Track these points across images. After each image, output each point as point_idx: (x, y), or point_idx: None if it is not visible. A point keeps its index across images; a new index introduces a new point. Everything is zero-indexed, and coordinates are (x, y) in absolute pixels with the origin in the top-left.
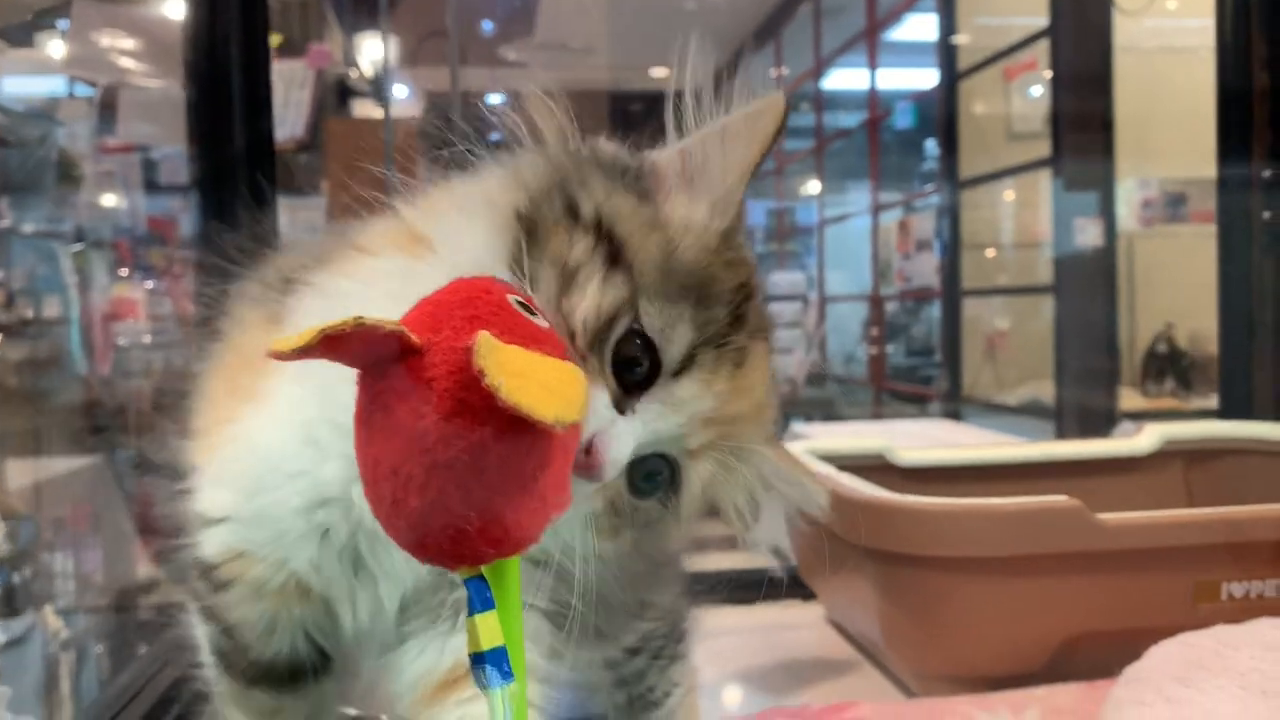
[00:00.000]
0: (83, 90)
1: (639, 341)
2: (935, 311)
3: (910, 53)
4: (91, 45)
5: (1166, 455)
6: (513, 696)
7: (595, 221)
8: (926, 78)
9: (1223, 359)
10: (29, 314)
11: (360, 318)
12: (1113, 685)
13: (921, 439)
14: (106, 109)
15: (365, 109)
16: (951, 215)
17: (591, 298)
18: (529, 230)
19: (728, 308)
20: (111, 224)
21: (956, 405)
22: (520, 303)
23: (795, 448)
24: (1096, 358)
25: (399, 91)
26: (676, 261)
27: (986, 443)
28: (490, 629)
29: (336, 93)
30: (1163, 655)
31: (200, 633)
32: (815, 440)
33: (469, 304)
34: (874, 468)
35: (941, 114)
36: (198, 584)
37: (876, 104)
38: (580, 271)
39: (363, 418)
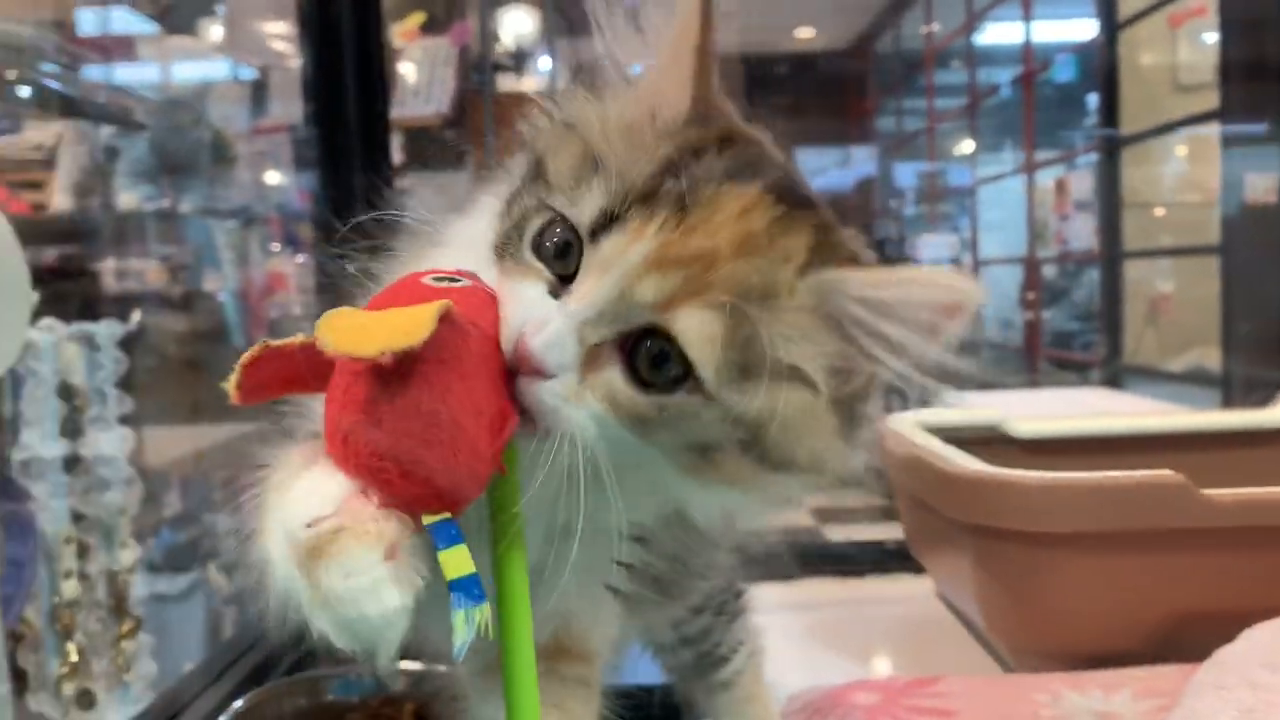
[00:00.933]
0: (246, 73)
1: (559, 230)
2: (1095, 275)
3: (1068, 2)
4: (246, 29)
5: None
6: (480, 617)
7: (530, 144)
8: (1085, 28)
9: None
10: (189, 288)
11: (267, 342)
12: None
13: (1077, 408)
14: (260, 90)
15: (509, 83)
16: (1112, 173)
17: (514, 211)
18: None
19: (657, 164)
20: (266, 201)
21: (1117, 372)
22: (440, 276)
23: (902, 420)
24: (1267, 322)
25: (543, 64)
26: (594, 146)
27: (1144, 412)
28: (456, 561)
29: (480, 68)
30: (1254, 639)
31: None
32: (928, 414)
33: (389, 290)
34: (989, 440)
35: (1101, 66)
36: None
37: (1032, 58)
38: (517, 195)
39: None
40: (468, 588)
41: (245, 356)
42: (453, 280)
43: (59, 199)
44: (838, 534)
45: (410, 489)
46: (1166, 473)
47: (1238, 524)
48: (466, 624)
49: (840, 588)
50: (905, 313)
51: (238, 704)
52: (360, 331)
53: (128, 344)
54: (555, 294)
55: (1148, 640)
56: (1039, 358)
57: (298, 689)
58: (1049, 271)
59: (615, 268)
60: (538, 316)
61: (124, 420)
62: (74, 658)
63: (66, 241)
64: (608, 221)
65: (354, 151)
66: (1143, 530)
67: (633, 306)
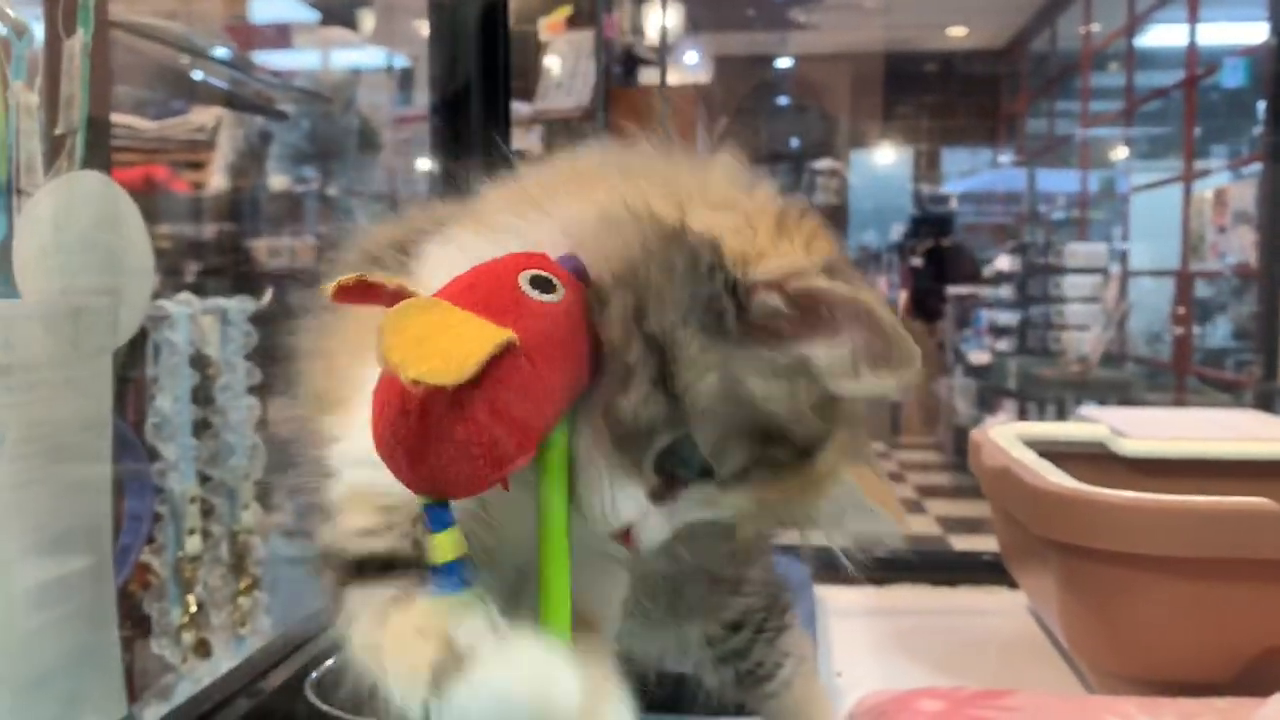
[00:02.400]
0: (399, 62)
1: (684, 451)
2: (1253, 291)
3: (1238, 4)
4: (400, 20)
5: None
6: (454, 605)
7: (653, 337)
8: (1255, 32)
9: None
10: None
11: (364, 275)
12: None
13: (1222, 429)
14: (408, 80)
15: (651, 77)
16: (1276, 184)
17: (632, 402)
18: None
19: (798, 447)
20: (409, 187)
21: (1271, 394)
22: (537, 277)
23: (1003, 432)
24: None
25: (689, 58)
26: (742, 407)
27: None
28: (445, 546)
29: (624, 62)
30: None
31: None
32: (1031, 427)
33: (475, 273)
34: (1094, 456)
35: (1270, 71)
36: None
37: (1196, 61)
38: (631, 372)
39: None
40: (449, 574)
41: (344, 279)
42: (547, 288)
43: (216, 179)
44: (963, 544)
45: (413, 481)
46: (1263, 501)
47: None
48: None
49: (931, 596)
50: None
51: (330, 661)
52: (415, 346)
53: (259, 319)
54: (656, 496)
55: (1235, 672)
56: (1186, 375)
57: None
58: (1203, 287)
59: (722, 509)
60: (640, 523)
61: (252, 390)
62: (194, 609)
63: (223, 219)
64: (745, 474)
65: (474, 144)
66: (1233, 558)
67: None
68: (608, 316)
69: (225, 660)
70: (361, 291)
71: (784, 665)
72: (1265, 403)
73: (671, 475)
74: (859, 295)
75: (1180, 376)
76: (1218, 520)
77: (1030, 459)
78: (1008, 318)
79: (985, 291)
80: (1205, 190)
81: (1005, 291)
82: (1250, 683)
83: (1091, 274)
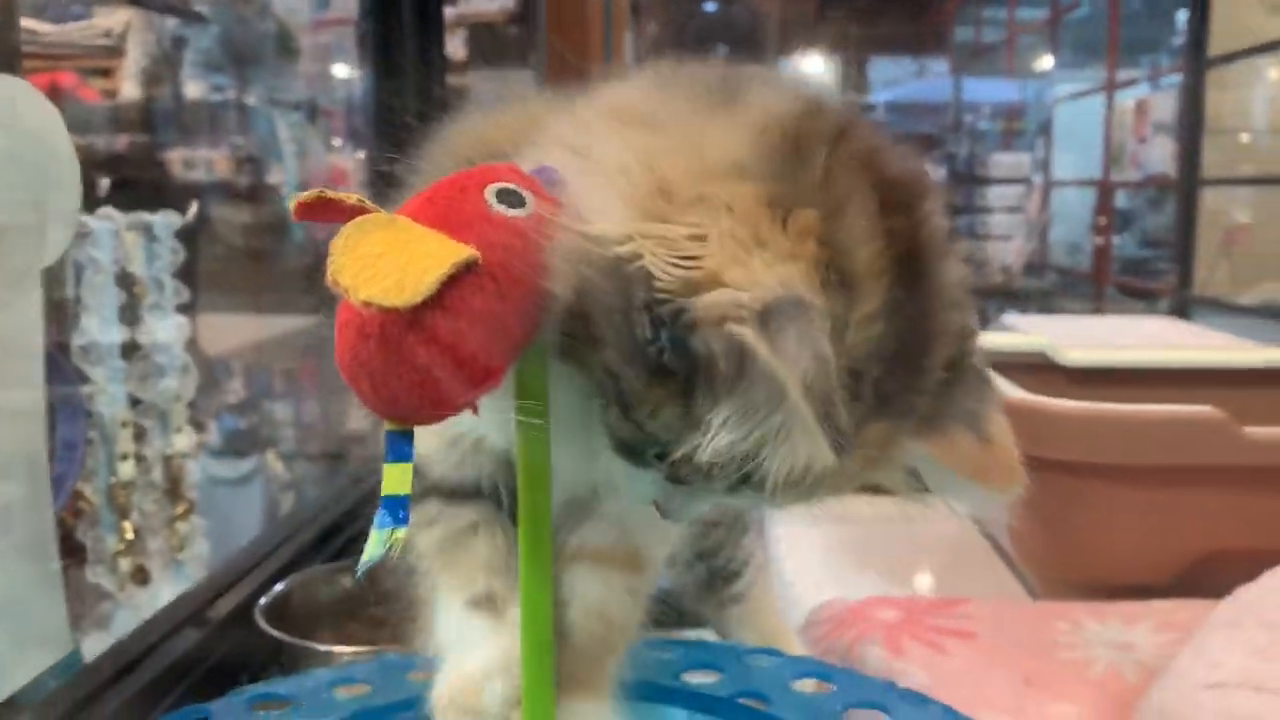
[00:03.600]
0: None
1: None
2: (1170, 201)
3: None
4: None
5: None
6: (395, 540)
7: (608, 368)
8: None
9: None
10: (253, 180)
11: (323, 191)
12: None
13: (1140, 337)
14: None
15: None
16: (1196, 96)
17: (611, 419)
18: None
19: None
20: (329, 95)
21: (1185, 303)
22: (504, 190)
23: None
24: None
25: None
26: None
27: (1208, 344)
28: (396, 478)
29: None
30: (1272, 581)
31: None
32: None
33: (440, 186)
34: (1037, 366)
35: None
36: None
37: None
38: (603, 395)
39: None
40: (395, 508)
41: (303, 196)
42: (515, 202)
43: (127, 87)
44: None
45: (377, 406)
46: (1207, 408)
47: (1273, 462)
48: (380, 543)
49: (872, 505)
50: None
51: (279, 587)
52: (367, 267)
53: (185, 235)
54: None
55: (1175, 575)
56: (1106, 284)
57: (337, 574)
58: (1122, 197)
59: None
60: (673, 505)
61: (181, 309)
62: (130, 535)
63: (135, 130)
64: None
65: (407, 47)
66: (1180, 465)
67: None
68: (571, 344)
69: (164, 586)
70: (321, 208)
71: (748, 564)
72: (1181, 310)
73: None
74: (778, 369)
75: (1100, 285)
76: (1165, 428)
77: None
78: None
79: None
80: (1127, 101)
81: None
82: (1188, 585)
83: (1015, 184)
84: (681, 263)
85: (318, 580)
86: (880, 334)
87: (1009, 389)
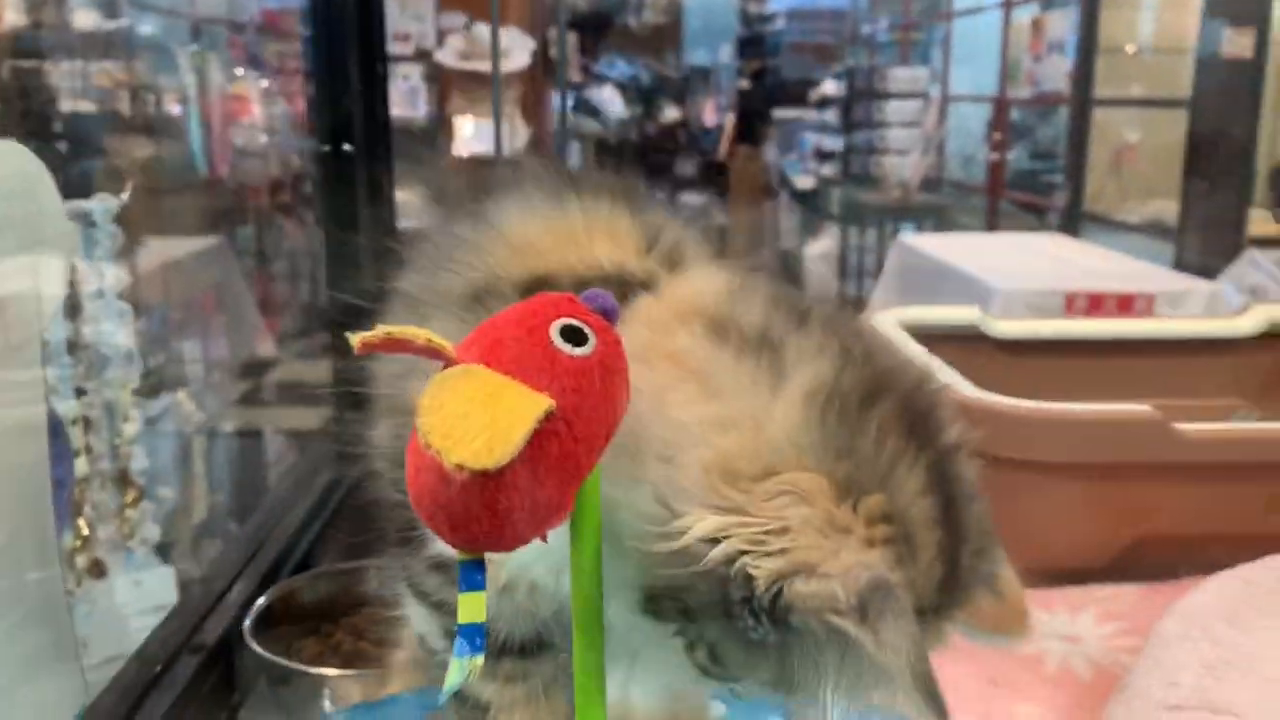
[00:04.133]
0: None
1: None
2: (1062, 119)
3: None
4: None
5: (1272, 337)
6: (473, 669)
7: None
8: None
9: None
10: (151, 111)
11: (391, 330)
12: (1173, 591)
13: (1032, 253)
14: None
15: None
16: (1091, 14)
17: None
18: None
19: None
20: (229, 21)
21: (1076, 220)
22: (568, 328)
23: (885, 319)
24: (1227, 179)
25: None
26: None
27: (1101, 264)
28: (471, 608)
29: None
30: (1217, 591)
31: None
32: (906, 312)
33: (506, 325)
34: (968, 338)
35: None
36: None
37: None
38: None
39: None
40: (472, 635)
41: (369, 337)
42: (579, 339)
43: (9, 15)
44: None
45: (452, 541)
46: (1145, 409)
47: (1206, 459)
48: (460, 671)
49: None
50: None
51: (261, 601)
52: (456, 428)
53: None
54: None
55: (1108, 560)
56: (999, 199)
57: (321, 582)
58: (1016, 112)
59: None
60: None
61: (122, 295)
62: (85, 531)
63: (20, 57)
64: None
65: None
66: (1118, 462)
67: None
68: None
69: (119, 576)
70: (388, 345)
71: None
72: (1071, 227)
73: None
74: (885, 659)
75: (993, 200)
76: (1109, 428)
77: (921, 356)
78: (832, 143)
79: (811, 115)
80: (1023, 18)
81: (830, 116)
82: (1121, 568)
83: (913, 99)
84: (772, 554)
85: (300, 589)
86: (940, 573)
87: (956, 384)
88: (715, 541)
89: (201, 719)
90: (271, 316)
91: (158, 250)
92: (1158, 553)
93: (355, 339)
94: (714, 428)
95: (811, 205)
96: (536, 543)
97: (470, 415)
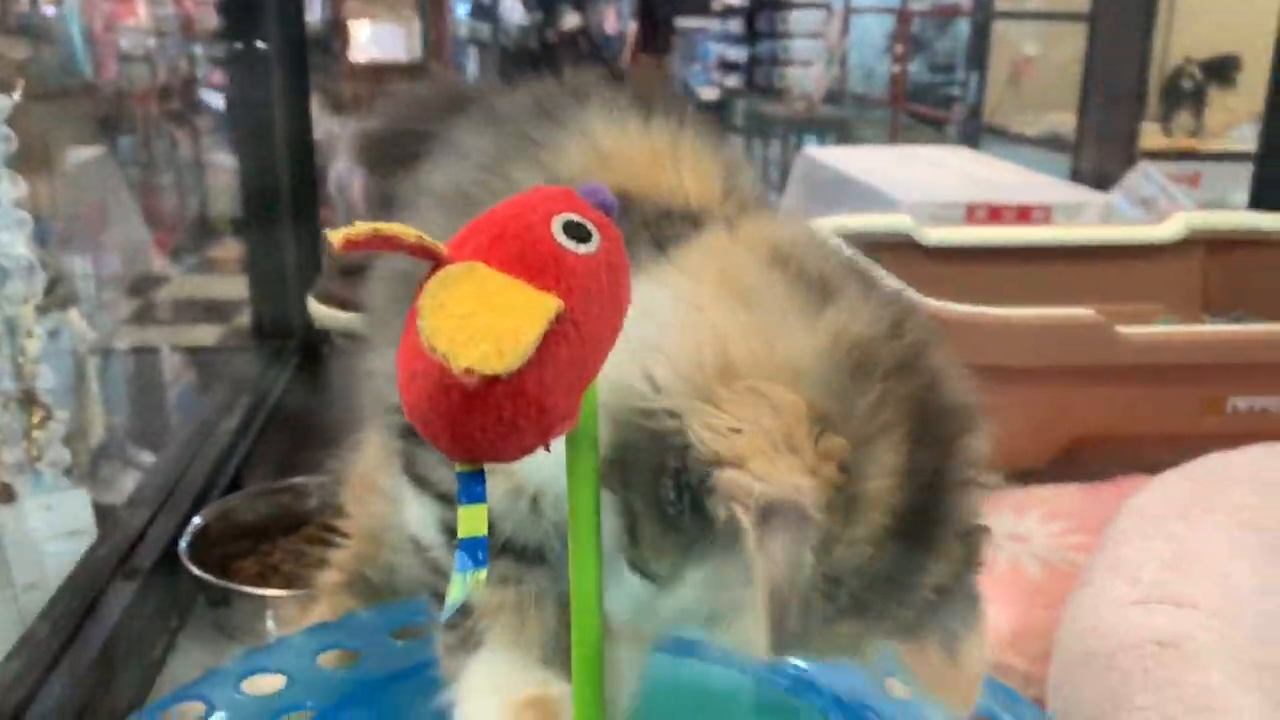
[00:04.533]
0: None
1: None
2: (964, 30)
3: None
4: None
5: (1190, 244)
6: (475, 582)
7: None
8: None
9: (1264, 143)
10: (26, 13)
11: (379, 227)
12: (1111, 490)
13: (935, 167)
14: None
15: None
16: None
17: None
18: None
19: None
20: None
21: (975, 132)
22: (570, 224)
23: (821, 224)
24: (1123, 92)
25: None
26: None
27: (1001, 176)
28: (472, 520)
29: None
30: (1165, 490)
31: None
32: (840, 219)
33: (504, 221)
34: (899, 246)
35: None
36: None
37: None
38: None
39: (409, 311)
40: (473, 549)
41: (353, 234)
42: (583, 236)
43: None
44: None
45: (451, 452)
46: (1089, 313)
47: (1145, 361)
48: (461, 587)
49: None
50: None
51: (196, 521)
52: (461, 329)
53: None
54: None
55: (1047, 460)
56: (901, 111)
57: (256, 501)
58: (917, 24)
59: None
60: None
61: (20, 204)
62: None
63: None
64: None
65: None
66: (1063, 365)
67: None
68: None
69: (27, 499)
70: (375, 242)
71: None
72: (970, 139)
73: None
74: (757, 564)
75: (895, 113)
76: (1051, 332)
77: (864, 264)
78: (736, 53)
79: (714, 25)
80: None
81: (734, 26)
82: (1059, 468)
83: (816, 9)
84: (720, 436)
85: (235, 509)
86: (869, 556)
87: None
88: (678, 417)
89: (140, 646)
90: (161, 231)
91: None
92: (1094, 453)
93: (337, 237)
94: (734, 333)
95: (716, 116)
96: (540, 452)
97: (476, 316)
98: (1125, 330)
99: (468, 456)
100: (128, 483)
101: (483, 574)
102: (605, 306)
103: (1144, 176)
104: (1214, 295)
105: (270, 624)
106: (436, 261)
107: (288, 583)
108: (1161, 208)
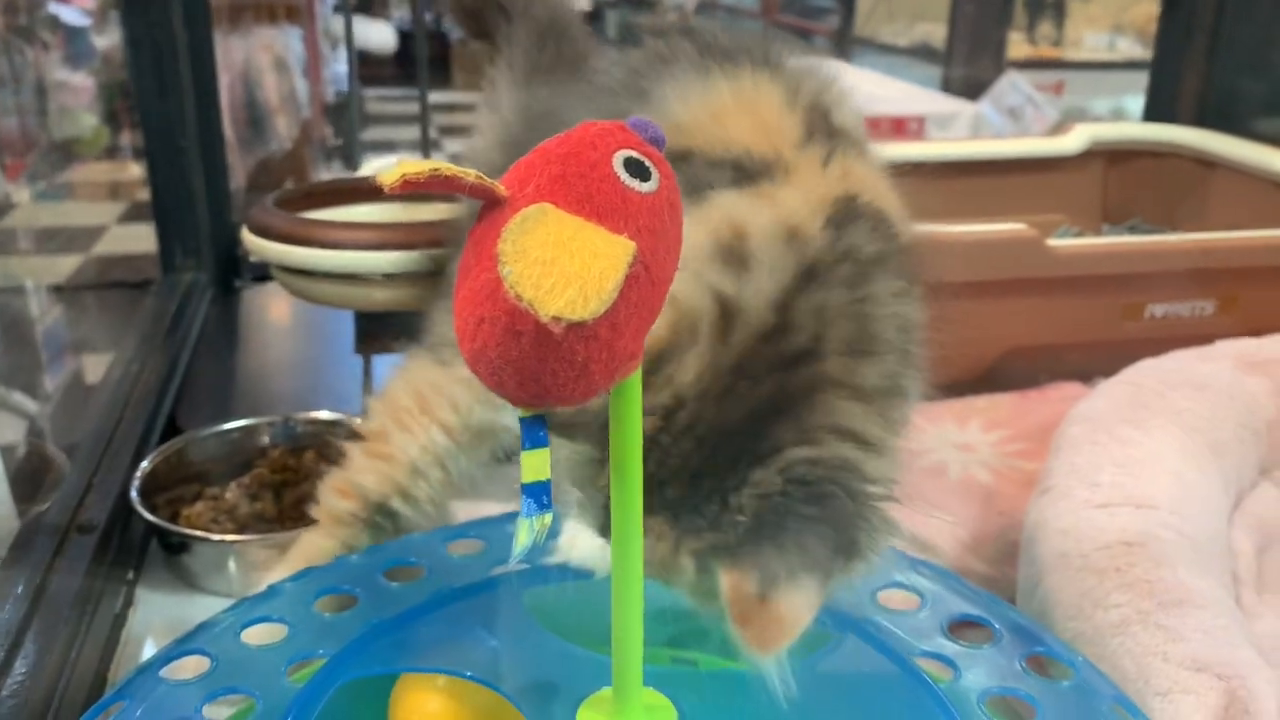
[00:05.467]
0: None
1: None
2: None
3: None
4: None
5: (1091, 155)
6: (542, 527)
7: None
8: None
9: (1157, 56)
10: None
11: (439, 166)
12: (1040, 398)
13: None
14: None
15: None
16: None
17: None
18: None
19: None
20: None
21: (846, 44)
22: (631, 161)
23: None
24: (990, 2)
25: None
26: None
27: (875, 88)
28: (535, 465)
29: None
30: (1111, 395)
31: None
32: None
33: (563, 160)
34: None
35: None
36: None
37: None
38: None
39: (463, 255)
40: (538, 494)
41: (410, 173)
42: (644, 174)
43: None
44: None
45: (517, 398)
46: (1021, 227)
47: (1073, 273)
48: (529, 532)
49: None
50: None
51: (145, 464)
52: (545, 275)
53: None
54: None
55: (981, 371)
56: (772, 24)
57: (206, 440)
58: None
59: None
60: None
61: None
62: None
63: None
64: None
65: None
66: (997, 279)
67: None
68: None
69: None
70: (433, 184)
71: None
72: (842, 50)
73: None
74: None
75: (766, 25)
76: (989, 247)
77: None
78: None
79: None
80: None
81: None
82: (990, 379)
83: None
84: None
85: (182, 450)
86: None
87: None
88: None
89: (95, 601)
90: (12, 157)
91: None
92: (1022, 363)
93: (392, 176)
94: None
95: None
96: None
97: (558, 262)
98: (1055, 243)
99: (534, 402)
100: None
101: (548, 518)
102: (670, 247)
103: (1010, 85)
104: (1111, 206)
105: (233, 569)
106: (495, 203)
107: (241, 527)
108: (1028, 116)
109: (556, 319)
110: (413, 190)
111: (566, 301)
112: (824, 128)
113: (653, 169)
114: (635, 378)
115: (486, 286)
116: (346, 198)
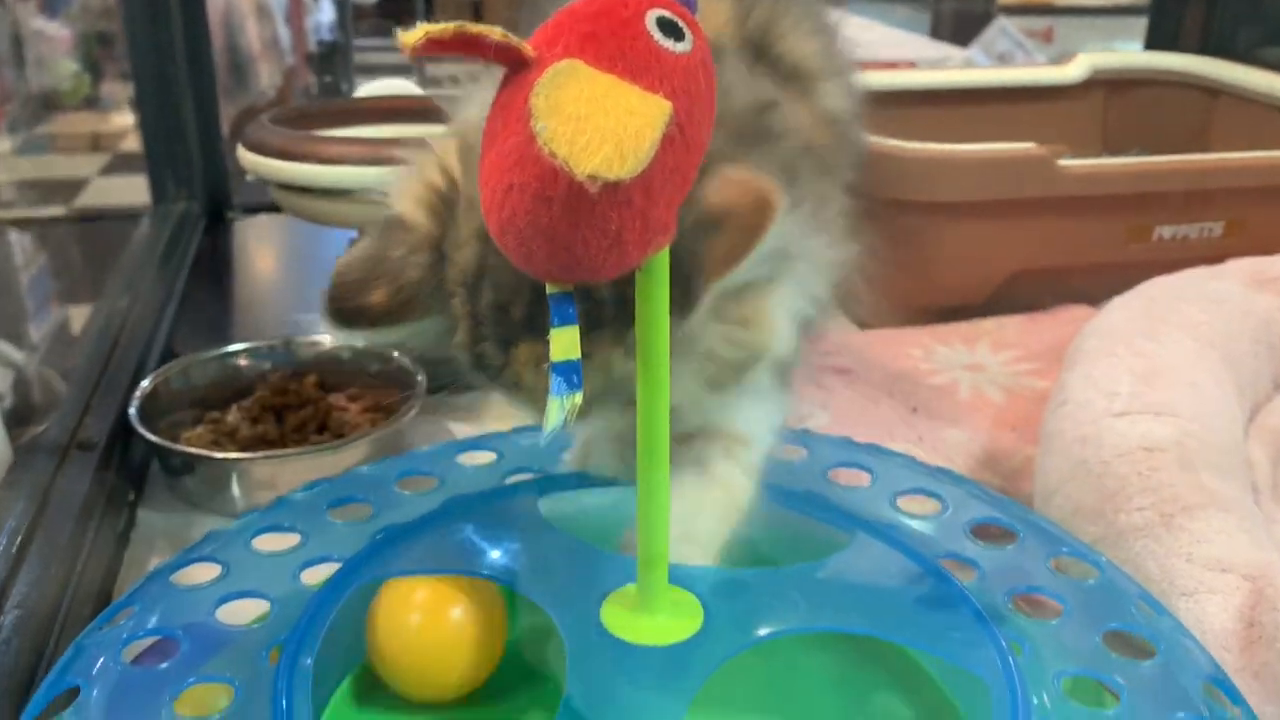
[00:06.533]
0: None
1: None
2: None
3: None
4: None
5: (1092, 84)
6: (572, 405)
7: None
8: None
9: None
10: None
11: (463, 25)
12: (1048, 319)
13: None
14: None
15: None
16: None
17: None
18: None
19: None
20: None
21: None
22: (664, 20)
23: None
24: None
25: None
26: None
27: (865, 34)
28: (565, 343)
29: None
30: (1125, 309)
31: None
32: None
33: (594, 18)
34: None
35: None
36: None
37: None
38: None
39: (488, 123)
40: (568, 373)
41: (435, 33)
42: (678, 34)
43: None
44: None
45: (547, 270)
46: (1030, 146)
47: (1082, 193)
48: (559, 410)
49: None
50: None
51: (144, 384)
52: (580, 132)
53: None
54: None
55: (987, 294)
56: None
57: (207, 364)
58: None
59: None
60: None
61: None
62: None
63: None
64: None
65: None
66: (1007, 199)
67: None
68: None
69: None
70: (459, 44)
71: None
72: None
73: None
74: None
75: None
76: (999, 166)
77: None
78: None
79: None
80: None
81: None
82: (998, 301)
83: None
84: None
85: (185, 372)
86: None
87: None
88: None
89: (98, 518)
90: None
91: None
92: (1028, 286)
93: (415, 35)
94: None
95: None
96: None
97: (590, 118)
98: (1065, 163)
99: (564, 275)
100: None
101: (578, 397)
102: (705, 111)
103: (1000, 32)
104: (1112, 135)
105: (235, 490)
106: (521, 63)
107: (243, 449)
108: (1017, 63)
109: (592, 177)
110: (436, 51)
111: (603, 159)
112: (766, 58)
113: (686, 29)
114: (664, 255)
115: (515, 151)
116: (344, 119)
